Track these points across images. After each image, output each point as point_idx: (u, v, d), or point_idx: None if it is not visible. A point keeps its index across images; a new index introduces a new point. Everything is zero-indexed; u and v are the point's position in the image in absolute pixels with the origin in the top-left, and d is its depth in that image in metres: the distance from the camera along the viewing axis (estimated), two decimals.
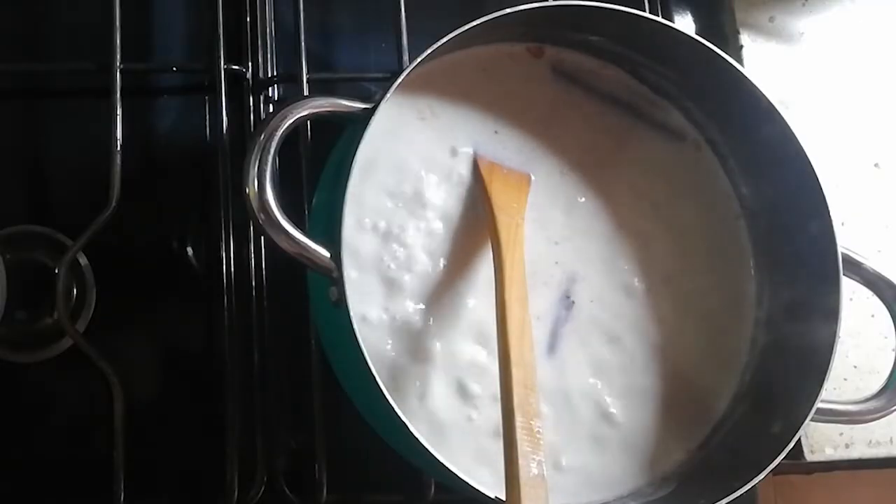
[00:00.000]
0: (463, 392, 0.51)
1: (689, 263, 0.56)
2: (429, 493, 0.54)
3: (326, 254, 0.45)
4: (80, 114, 0.58)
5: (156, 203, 0.57)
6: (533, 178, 0.54)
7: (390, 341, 0.50)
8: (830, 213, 0.52)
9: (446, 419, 0.50)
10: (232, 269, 0.55)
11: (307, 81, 0.56)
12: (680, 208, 0.57)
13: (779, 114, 0.52)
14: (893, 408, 0.52)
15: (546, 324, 0.53)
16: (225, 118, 0.55)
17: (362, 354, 0.44)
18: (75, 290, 0.55)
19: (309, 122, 0.54)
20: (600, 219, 0.55)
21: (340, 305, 0.45)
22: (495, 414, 0.48)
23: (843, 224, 0.54)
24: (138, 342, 0.56)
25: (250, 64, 0.59)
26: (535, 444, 0.44)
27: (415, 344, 0.50)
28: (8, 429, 0.54)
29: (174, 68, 0.60)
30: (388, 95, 0.47)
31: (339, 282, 0.45)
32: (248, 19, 0.59)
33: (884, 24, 0.67)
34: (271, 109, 0.59)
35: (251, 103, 0.58)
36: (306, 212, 0.53)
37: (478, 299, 0.51)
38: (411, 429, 0.44)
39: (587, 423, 0.53)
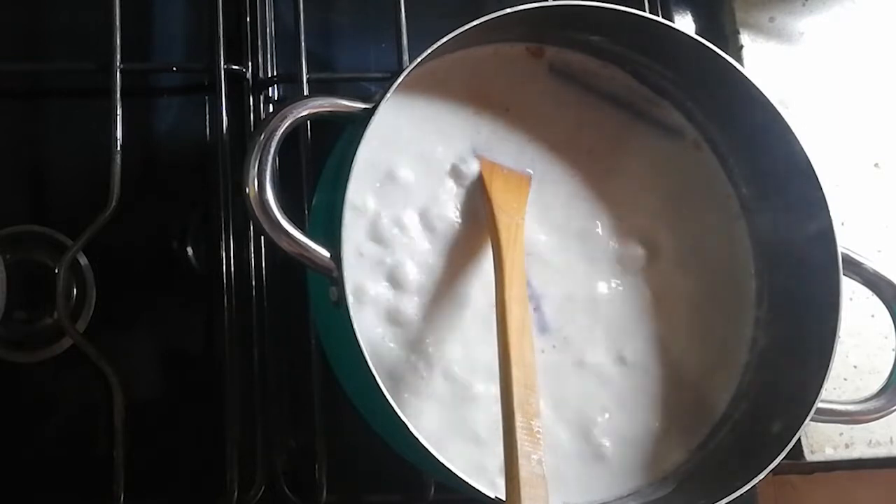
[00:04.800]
0: (462, 391, 0.51)
1: (688, 263, 0.56)
2: (429, 493, 0.54)
3: (326, 254, 0.45)
4: (80, 114, 0.58)
5: (156, 203, 0.58)
6: (533, 177, 0.54)
7: (390, 341, 0.50)
8: (830, 213, 0.52)
9: (446, 419, 0.50)
10: (232, 269, 0.55)
11: (307, 81, 0.56)
12: (679, 208, 0.57)
13: (779, 114, 0.52)
14: (893, 408, 0.52)
15: None
16: (225, 118, 0.55)
17: (362, 354, 0.44)
18: (75, 290, 0.55)
19: (309, 122, 0.54)
20: (599, 218, 0.55)
21: (340, 305, 0.45)
22: (496, 413, 0.48)
23: (843, 224, 0.54)
24: (138, 342, 0.56)
25: (250, 64, 0.59)
26: (535, 443, 0.44)
27: (415, 344, 0.50)
28: (8, 429, 0.54)
29: (174, 68, 0.60)
30: (388, 95, 0.47)
31: (339, 282, 0.45)
32: (248, 19, 0.59)
33: (884, 24, 0.67)
34: (271, 109, 0.59)
35: (251, 103, 0.58)
36: (306, 212, 0.54)
37: (478, 299, 0.51)
38: (411, 429, 0.44)
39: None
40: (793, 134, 0.52)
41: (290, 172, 0.54)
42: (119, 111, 0.54)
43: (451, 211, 0.52)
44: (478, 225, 0.52)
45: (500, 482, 0.44)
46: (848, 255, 0.53)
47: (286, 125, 0.46)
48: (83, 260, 0.55)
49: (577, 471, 0.52)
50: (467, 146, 0.54)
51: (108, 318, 0.55)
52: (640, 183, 0.56)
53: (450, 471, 0.44)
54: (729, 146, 0.57)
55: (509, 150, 0.54)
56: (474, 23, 0.49)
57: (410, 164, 0.52)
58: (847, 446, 0.60)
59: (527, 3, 0.51)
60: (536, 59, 0.56)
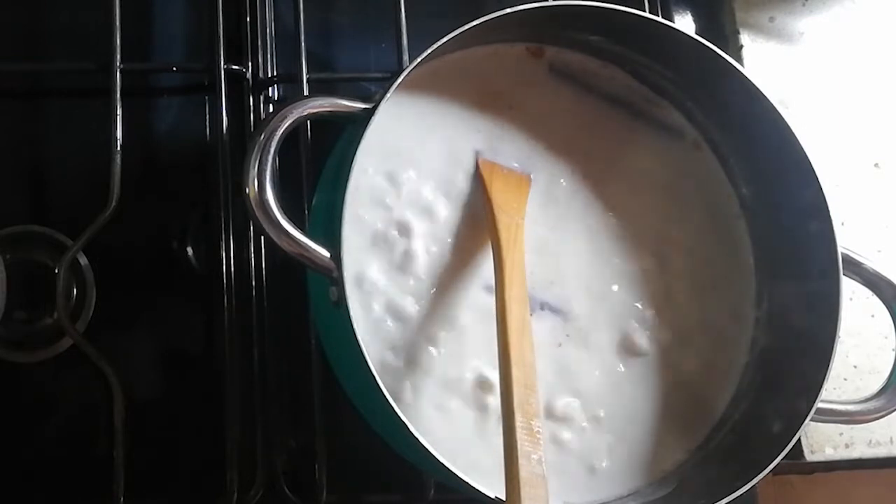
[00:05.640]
0: (462, 391, 0.51)
1: (688, 263, 0.56)
2: (429, 493, 0.54)
3: (326, 254, 0.45)
4: (80, 114, 0.58)
5: (156, 203, 0.57)
6: (533, 178, 0.54)
7: (391, 341, 0.50)
8: (830, 213, 0.52)
9: (446, 419, 0.50)
10: (232, 269, 0.55)
11: (307, 81, 0.56)
12: (679, 208, 0.57)
13: (779, 114, 0.52)
14: (893, 408, 0.52)
15: None
16: (225, 118, 0.55)
17: (362, 354, 0.44)
18: (75, 290, 0.55)
19: (309, 122, 0.54)
20: (599, 218, 0.55)
21: (340, 305, 0.45)
22: (495, 413, 0.48)
23: (843, 224, 0.54)
24: (138, 342, 0.56)
25: (250, 64, 0.59)
26: (535, 443, 0.44)
27: (415, 343, 0.50)
28: (8, 429, 0.54)
29: (174, 68, 0.60)
30: (388, 95, 0.47)
31: (339, 282, 0.45)
32: (248, 19, 0.59)
33: (884, 24, 0.67)
34: (271, 109, 0.59)
35: (251, 103, 0.58)
36: (306, 212, 0.54)
37: (478, 299, 0.51)
38: (411, 429, 0.44)
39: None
40: (793, 134, 0.52)
41: (290, 172, 0.54)
42: (119, 111, 0.54)
43: (450, 211, 0.52)
44: (478, 225, 0.52)
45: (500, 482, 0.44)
46: (848, 255, 0.53)
47: (286, 125, 0.46)
48: (83, 260, 0.55)
49: (577, 470, 0.52)
50: (467, 146, 0.54)
51: (108, 318, 0.55)
52: (639, 182, 0.56)
53: (450, 471, 0.44)
54: (729, 146, 0.57)
55: (509, 149, 0.54)
56: (474, 23, 0.49)
57: (410, 164, 0.52)
58: (847, 446, 0.60)
59: (527, 3, 0.51)
60: (536, 59, 0.56)
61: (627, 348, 0.54)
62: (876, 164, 0.65)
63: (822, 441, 0.60)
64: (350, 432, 0.52)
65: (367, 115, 0.47)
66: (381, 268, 0.51)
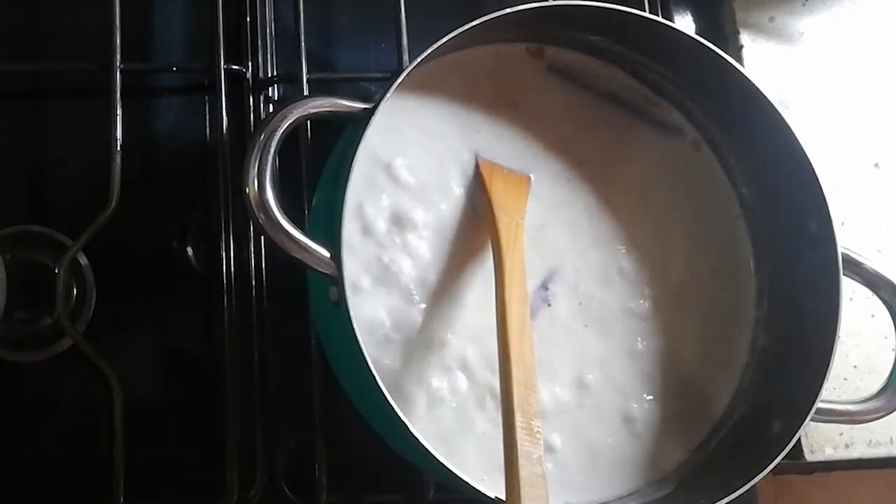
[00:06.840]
0: (462, 391, 0.51)
1: (688, 263, 0.56)
2: (429, 493, 0.54)
3: (326, 254, 0.45)
4: (80, 114, 0.58)
5: (156, 203, 0.57)
6: (533, 178, 0.54)
7: (391, 342, 0.50)
8: (830, 213, 0.52)
9: (446, 419, 0.50)
10: (232, 269, 0.55)
11: (307, 81, 0.56)
12: (679, 208, 0.57)
13: (779, 114, 0.52)
14: (893, 408, 0.52)
15: None
16: (225, 118, 0.55)
17: (362, 354, 0.44)
18: (75, 290, 0.55)
19: (309, 122, 0.54)
20: (599, 218, 0.55)
21: (340, 305, 0.45)
22: (495, 413, 0.48)
23: (843, 224, 0.54)
24: (138, 342, 0.56)
25: (250, 64, 0.59)
26: (535, 443, 0.44)
27: (414, 343, 0.50)
28: (8, 429, 0.54)
29: (174, 68, 0.60)
30: (388, 95, 0.47)
31: (339, 282, 0.45)
32: (248, 19, 0.59)
33: (884, 24, 0.67)
34: (271, 109, 0.59)
35: (251, 103, 0.58)
36: (306, 212, 0.54)
37: (477, 299, 0.51)
38: (411, 429, 0.44)
39: None
40: (793, 134, 0.52)
41: (290, 172, 0.54)
42: (119, 111, 0.54)
43: (450, 211, 0.52)
44: (478, 225, 0.52)
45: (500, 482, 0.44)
46: (848, 255, 0.53)
47: (286, 125, 0.46)
48: (83, 260, 0.55)
49: (577, 470, 0.52)
50: (467, 146, 0.54)
51: (108, 318, 0.55)
52: (639, 182, 0.56)
53: (450, 471, 0.44)
54: (729, 146, 0.57)
55: (509, 149, 0.54)
56: (474, 23, 0.49)
57: (410, 164, 0.52)
58: (847, 446, 0.60)
59: (527, 3, 0.51)
60: (536, 59, 0.56)
61: (627, 348, 0.54)
62: (876, 164, 0.65)
63: (822, 441, 0.60)
64: (350, 432, 0.52)
65: (367, 115, 0.47)
66: (380, 267, 0.51)
